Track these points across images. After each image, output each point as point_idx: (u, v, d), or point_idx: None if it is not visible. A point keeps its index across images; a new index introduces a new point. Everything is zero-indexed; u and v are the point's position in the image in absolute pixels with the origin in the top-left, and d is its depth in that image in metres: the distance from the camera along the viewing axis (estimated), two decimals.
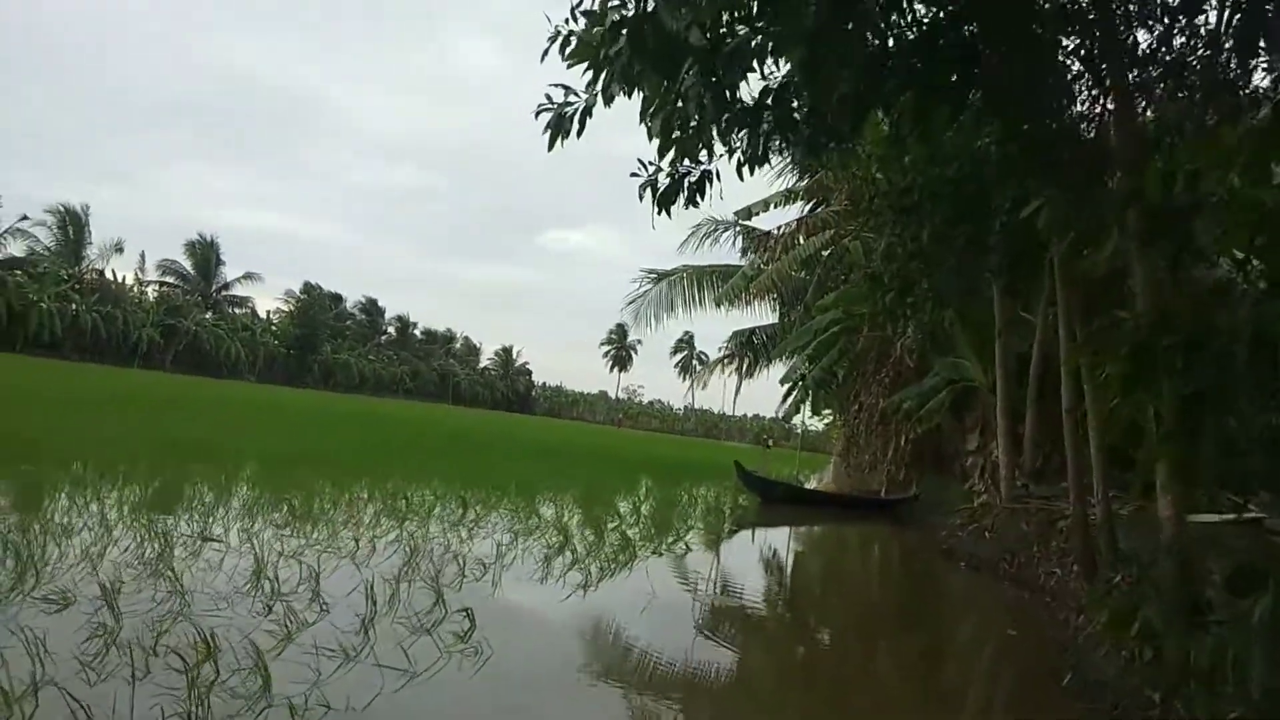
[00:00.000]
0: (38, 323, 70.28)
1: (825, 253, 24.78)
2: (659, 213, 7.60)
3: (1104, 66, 8.48)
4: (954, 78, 7.58)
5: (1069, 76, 8.79)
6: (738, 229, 27.97)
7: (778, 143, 7.66)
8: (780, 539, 17.44)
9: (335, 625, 5.79)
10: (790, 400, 26.26)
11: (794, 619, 9.94)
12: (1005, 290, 14.54)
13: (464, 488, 14.40)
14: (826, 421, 36.35)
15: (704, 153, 7.49)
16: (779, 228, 25.64)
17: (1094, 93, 9.21)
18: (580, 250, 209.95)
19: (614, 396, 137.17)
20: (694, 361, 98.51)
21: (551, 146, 6.85)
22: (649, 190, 7.49)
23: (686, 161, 7.48)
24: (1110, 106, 9.24)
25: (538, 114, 6.76)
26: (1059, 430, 16.52)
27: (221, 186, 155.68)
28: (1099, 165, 8.21)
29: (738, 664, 7.29)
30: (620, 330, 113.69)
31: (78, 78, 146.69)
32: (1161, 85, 9.01)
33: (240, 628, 5.50)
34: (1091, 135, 9.64)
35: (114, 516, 8.40)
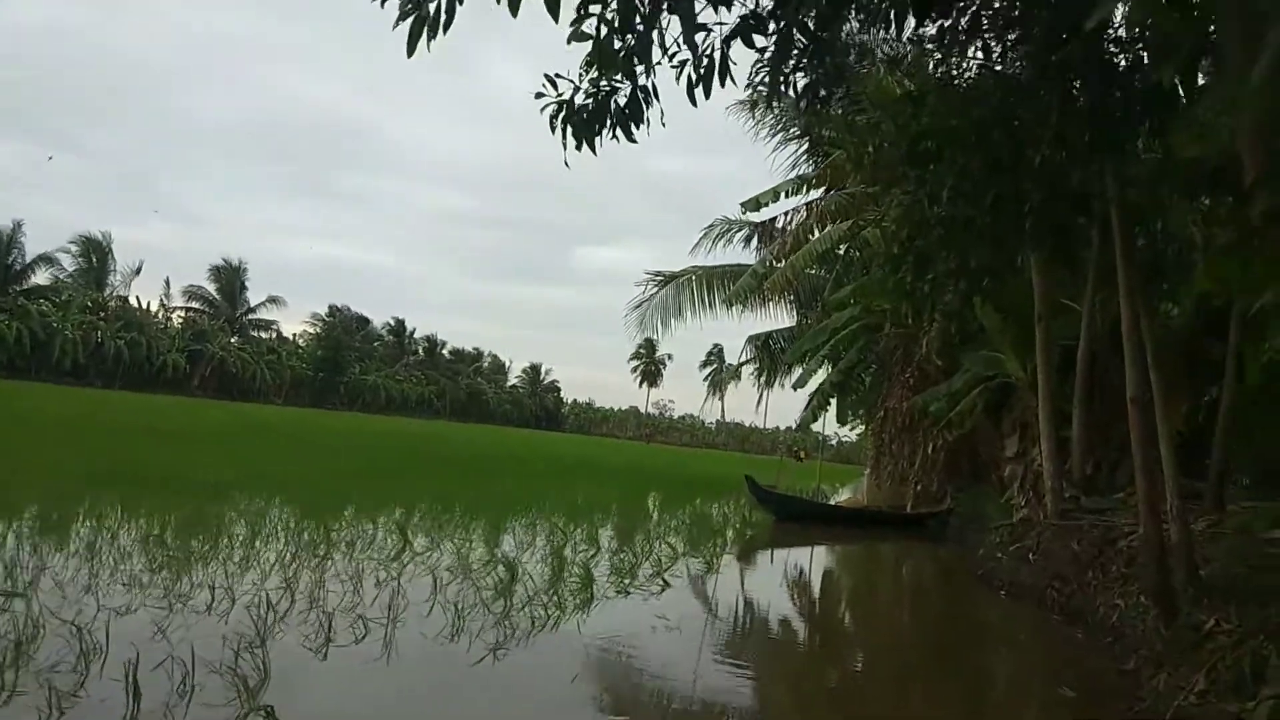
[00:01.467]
0: (60, 350, 69.91)
1: (842, 248, 22.63)
2: (578, 147, 5.70)
3: None
4: None
5: None
6: (751, 225, 25.84)
7: (740, 43, 5.73)
8: (787, 567, 15.17)
9: None
10: (809, 408, 24.06)
11: (785, 696, 7.40)
12: (1047, 265, 12.35)
13: (435, 513, 12.61)
14: (859, 431, 34.13)
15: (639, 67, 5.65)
16: (786, 214, 23.51)
17: None
18: (612, 266, 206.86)
19: (644, 412, 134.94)
20: (723, 374, 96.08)
21: (412, 50, 4.96)
22: (560, 117, 5.62)
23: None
24: None
25: (383, 2, 4.89)
26: (1110, 433, 14.42)
27: (259, 216, 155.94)
28: None
29: None
30: (649, 345, 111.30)
31: (120, 110, 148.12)
32: None
33: None
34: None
35: None
